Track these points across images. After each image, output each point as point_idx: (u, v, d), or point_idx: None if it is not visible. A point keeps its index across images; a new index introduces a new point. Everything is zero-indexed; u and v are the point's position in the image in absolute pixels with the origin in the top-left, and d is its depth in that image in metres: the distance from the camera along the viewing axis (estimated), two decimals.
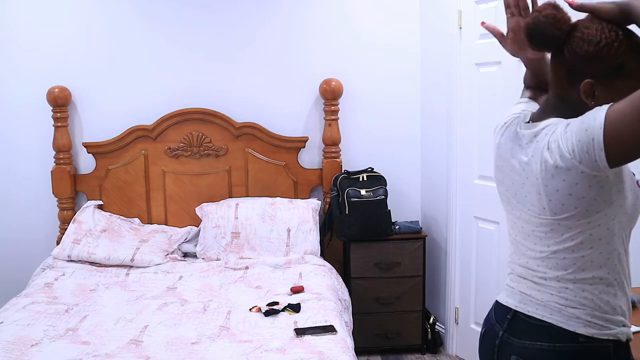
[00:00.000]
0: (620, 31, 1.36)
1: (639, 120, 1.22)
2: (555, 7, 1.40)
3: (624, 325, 1.45)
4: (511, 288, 1.57)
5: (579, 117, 1.33)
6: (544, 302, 1.47)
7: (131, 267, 3.37)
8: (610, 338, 1.42)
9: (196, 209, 3.70)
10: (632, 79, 1.35)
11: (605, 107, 1.28)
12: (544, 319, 1.46)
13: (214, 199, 3.75)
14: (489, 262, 3.27)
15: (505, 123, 1.59)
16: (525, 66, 1.70)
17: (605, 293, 1.43)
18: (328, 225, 3.71)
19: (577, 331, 1.42)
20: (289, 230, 3.52)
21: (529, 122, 1.49)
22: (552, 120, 1.42)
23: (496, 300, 1.62)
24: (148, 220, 3.78)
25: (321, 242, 3.61)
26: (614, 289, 1.43)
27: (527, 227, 1.49)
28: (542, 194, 1.40)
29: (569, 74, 1.41)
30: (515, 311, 1.52)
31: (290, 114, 3.85)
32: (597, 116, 1.28)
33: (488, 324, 1.62)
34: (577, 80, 1.39)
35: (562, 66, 1.42)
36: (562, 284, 1.44)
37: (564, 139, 1.34)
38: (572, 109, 1.41)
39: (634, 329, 1.67)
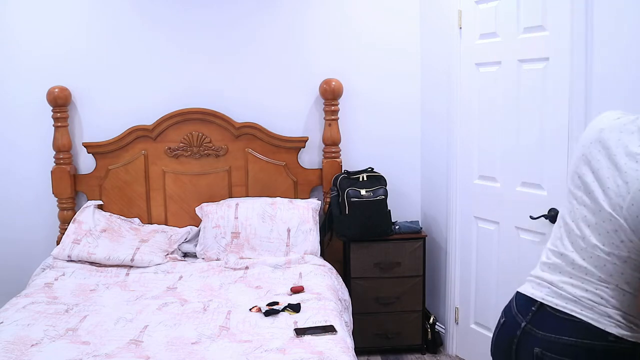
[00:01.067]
0: None
1: None
2: None
3: None
4: (539, 280, 1.55)
5: None
6: (576, 297, 1.45)
7: (131, 267, 3.37)
8: (639, 342, 1.42)
9: (196, 209, 3.70)
10: None
11: None
12: (573, 314, 1.45)
13: (214, 199, 3.75)
14: (489, 262, 3.27)
15: (615, 116, 1.52)
16: None
17: None
18: (328, 225, 3.71)
19: (607, 330, 1.41)
20: (289, 230, 3.52)
21: None
22: None
23: (517, 292, 1.60)
24: (148, 220, 3.78)
25: (321, 242, 3.61)
26: None
27: (591, 218, 1.46)
28: (630, 194, 1.37)
29: None
30: (542, 303, 1.50)
31: (290, 114, 3.85)
32: None
33: (509, 314, 1.59)
34: None
35: None
36: (603, 284, 1.43)
37: None
38: None
39: None
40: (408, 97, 3.90)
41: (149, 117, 3.75)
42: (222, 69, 3.81)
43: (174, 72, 3.79)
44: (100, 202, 3.74)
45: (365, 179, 3.63)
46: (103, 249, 3.41)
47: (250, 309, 2.77)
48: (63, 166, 3.70)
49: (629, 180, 1.40)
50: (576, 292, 1.46)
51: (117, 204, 3.75)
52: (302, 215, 3.57)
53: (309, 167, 3.87)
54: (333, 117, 3.76)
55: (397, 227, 3.64)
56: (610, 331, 1.41)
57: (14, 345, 2.40)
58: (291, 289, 2.99)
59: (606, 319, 1.42)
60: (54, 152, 3.72)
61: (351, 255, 3.57)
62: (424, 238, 3.62)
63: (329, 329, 2.51)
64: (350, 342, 2.54)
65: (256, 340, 2.44)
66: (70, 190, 3.72)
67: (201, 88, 3.80)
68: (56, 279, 3.20)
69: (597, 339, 1.42)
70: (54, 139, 3.69)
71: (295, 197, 3.79)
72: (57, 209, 3.75)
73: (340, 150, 3.83)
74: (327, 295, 2.93)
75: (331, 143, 3.78)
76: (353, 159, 3.90)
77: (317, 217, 3.64)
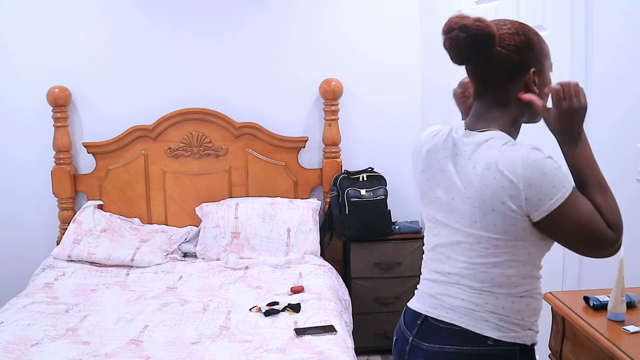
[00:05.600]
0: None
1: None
2: (462, 15, 1.42)
3: (529, 329, 1.47)
4: (422, 292, 1.57)
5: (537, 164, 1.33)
6: (454, 306, 1.47)
7: (131, 267, 3.37)
8: (517, 342, 1.44)
9: (196, 209, 3.70)
10: (548, 57, 1.46)
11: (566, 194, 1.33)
12: (453, 322, 1.46)
13: (214, 199, 3.75)
14: None
15: (433, 132, 1.56)
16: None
17: (517, 302, 1.44)
18: (328, 225, 3.71)
19: (485, 334, 1.43)
20: (289, 230, 3.52)
21: (466, 130, 1.47)
22: (496, 134, 1.42)
23: (406, 306, 1.62)
24: (148, 220, 3.78)
25: (321, 242, 3.61)
26: (526, 299, 1.45)
27: (453, 237, 1.48)
28: (477, 207, 1.40)
29: (509, 70, 1.42)
30: (426, 316, 1.52)
31: (290, 114, 3.85)
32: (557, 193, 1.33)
33: (399, 332, 1.61)
34: (517, 74, 1.42)
35: (499, 66, 1.42)
36: (476, 292, 1.45)
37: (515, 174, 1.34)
38: (510, 110, 1.44)
39: (633, 328, 1.67)
40: (408, 96, 3.90)
41: (149, 117, 3.74)
42: (222, 68, 3.81)
43: (174, 72, 3.79)
44: (101, 202, 3.74)
45: (365, 179, 3.63)
46: (103, 249, 3.41)
47: (250, 309, 2.77)
48: (63, 166, 3.70)
49: (460, 191, 1.43)
50: (453, 302, 1.47)
51: (117, 204, 3.75)
52: (302, 215, 3.57)
53: (309, 167, 3.87)
54: (333, 117, 3.76)
55: (397, 227, 3.64)
56: (488, 335, 1.42)
57: (14, 345, 2.41)
58: (291, 289, 3.00)
59: (483, 323, 1.43)
60: (54, 152, 3.72)
61: (351, 255, 3.57)
62: (424, 238, 3.61)
63: (329, 329, 2.51)
64: (350, 342, 2.54)
65: (256, 340, 2.44)
66: (71, 190, 3.72)
67: (201, 88, 3.79)
68: (56, 279, 3.20)
69: (476, 344, 1.43)
70: (54, 139, 3.69)
71: (295, 197, 3.79)
72: (57, 209, 3.75)
73: (340, 150, 3.83)
74: (327, 295, 2.93)
75: (331, 143, 3.78)
76: (353, 159, 3.89)
77: (317, 217, 3.64)
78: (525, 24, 1.46)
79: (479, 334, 1.43)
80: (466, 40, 1.38)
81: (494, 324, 1.43)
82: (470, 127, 1.47)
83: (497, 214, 1.38)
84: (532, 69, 1.42)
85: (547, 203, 1.33)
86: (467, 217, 1.42)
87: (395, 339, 1.62)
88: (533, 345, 1.49)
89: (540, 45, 1.45)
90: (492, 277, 1.43)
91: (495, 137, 1.41)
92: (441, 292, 1.50)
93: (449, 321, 1.46)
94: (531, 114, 1.49)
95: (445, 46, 1.42)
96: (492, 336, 1.42)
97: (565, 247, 1.43)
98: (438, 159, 1.50)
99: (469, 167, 1.41)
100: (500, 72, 1.43)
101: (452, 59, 1.44)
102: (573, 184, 1.38)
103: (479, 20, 1.39)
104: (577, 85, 1.41)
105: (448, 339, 1.46)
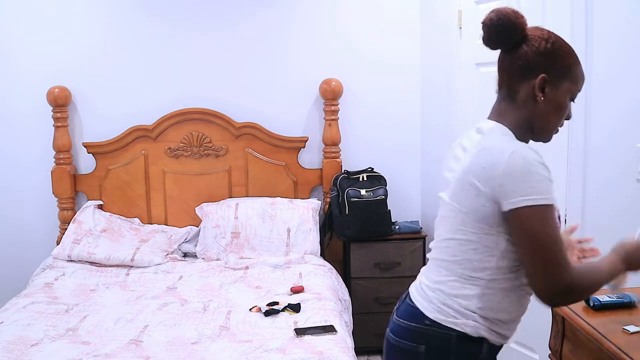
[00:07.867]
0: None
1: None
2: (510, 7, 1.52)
3: (475, 321, 1.48)
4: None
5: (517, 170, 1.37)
6: (421, 286, 1.58)
7: (131, 267, 3.37)
8: (455, 328, 1.48)
9: (196, 209, 3.70)
10: (572, 82, 1.49)
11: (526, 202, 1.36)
12: (413, 300, 1.58)
13: (214, 199, 3.75)
14: None
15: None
16: None
17: (470, 289, 1.48)
18: (328, 225, 3.71)
19: (425, 313, 1.52)
20: (289, 230, 3.52)
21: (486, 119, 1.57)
22: (502, 127, 1.49)
23: None
24: (148, 220, 3.78)
25: (321, 242, 3.61)
26: (481, 289, 1.47)
27: (441, 212, 1.58)
28: (459, 179, 1.48)
29: (523, 68, 1.48)
30: (408, 294, 1.64)
31: (290, 114, 3.85)
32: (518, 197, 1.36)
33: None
34: (531, 75, 1.47)
35: (517, 60, 1.49)
36: (440, 269, 1.53)
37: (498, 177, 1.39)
38: (517, 109, 1.50)
39: (633, 328, 1.67)
40: (408, 97, 3.90)
41: (149, 117, 3.74)
42: (222, 68, 3.81)
43: (174, 71, 3.79)
44: (101, 202, 3.74)
45: (365, 178, 3.63)
46: (103, 249, 3.41)
47: (250, 309, 2.77)
48: (63, 166, 3.70)
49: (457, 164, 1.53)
50: (423, 281, 1.59)
51: (117, 204, 3.75)
52: (302, 215, 3.57)
53: (309, 167, 3.87)
54: (333, 117, 3.76)
55: (397, 227, 3.65)
56: (427, 314, 1.52)
57: (14, 345, 2.41)
58: (291, 289, 3.00)
59: (428, 303, 1.53)
60: (54, 152, 3.72)
61: (351, 255, 3.57)
62: (424, 238, 3.62)
63: (329, 329, 2.51)
64: (350, 342, 2.54)
65: (256, 340, 2.44)
66: (71, 190, 3.72)
67: (201, 88, 3.79)
68: (56, 279, 3.21)
69: (417, 322, 1.53)
70: (54, 139, 3.69)
71: (295, 197, 3.79)
72: (57, 209, 3.75)
73: (340, 150, 3.83)
74: (327, 295, 2.93)
75: (331, 143, 3.78)
76: (353, 159, 3.89)
77: (317, 217, 3.64)
78: (567, 44, 1.50)
79: (422, 312, 1.52)
80: (494, 22, 1.48)
81: (437, 306, 1.50)
82: (489, 116, 1.57)
83: (471, 190, 1.43)
84: (543, 75, 1.45)
85: (518, 197, 1.36)
86: (452, 189, 1.50)
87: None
88: (481, 338, 1.49)
89: (568, 64, 1.48)
90: (455, 254, 1.49)
91: (501, 128, 1.49)
92: (423, 271, 1.62)
93: (413, 300, 1.58)
94: (539, 128, 1.51)
95: (482, 26, 1.52)
96: (430, 316, 1.50)
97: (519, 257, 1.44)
98: (460, 141, 1.60)
99: (469, 147, 1.50)
100: (515, 67, 1.49)
101: (483, 40, 1.52)
102: (552, 203, 1.37)
103: (514, 11, 1.49)
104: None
105: (406, 315, 1.57)
